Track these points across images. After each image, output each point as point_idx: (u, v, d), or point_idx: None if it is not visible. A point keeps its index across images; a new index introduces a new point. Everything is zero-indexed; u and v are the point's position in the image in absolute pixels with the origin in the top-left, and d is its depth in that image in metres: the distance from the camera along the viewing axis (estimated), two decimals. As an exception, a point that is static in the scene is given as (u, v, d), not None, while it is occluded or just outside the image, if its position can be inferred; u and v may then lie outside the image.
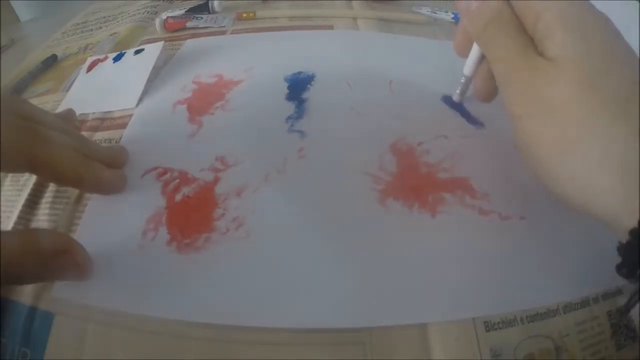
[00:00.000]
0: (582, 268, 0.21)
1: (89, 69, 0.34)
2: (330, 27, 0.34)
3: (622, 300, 0.20)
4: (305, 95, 0.29)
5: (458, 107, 0.28)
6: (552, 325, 0.19)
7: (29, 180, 0.26)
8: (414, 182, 0.23)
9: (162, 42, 0.34)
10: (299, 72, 0.30)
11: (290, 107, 0.28)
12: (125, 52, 0.34)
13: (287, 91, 0.29)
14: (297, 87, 0.29)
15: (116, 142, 0.27)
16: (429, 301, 0.19)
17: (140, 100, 0.30)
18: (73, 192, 0.25)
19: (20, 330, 0.20)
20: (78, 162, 0.23)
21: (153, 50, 0.34)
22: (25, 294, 0.21)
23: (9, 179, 0.27)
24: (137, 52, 0.34)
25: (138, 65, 0.33)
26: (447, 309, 0.19)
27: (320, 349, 0.18)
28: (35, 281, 0.20)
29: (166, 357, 0.18)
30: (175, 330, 0.19)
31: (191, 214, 0.23)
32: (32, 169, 0.22)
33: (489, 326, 0.19)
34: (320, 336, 0.18)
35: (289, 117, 0.27)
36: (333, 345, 0.18)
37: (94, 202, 0.24)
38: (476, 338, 0.18)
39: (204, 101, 0.29)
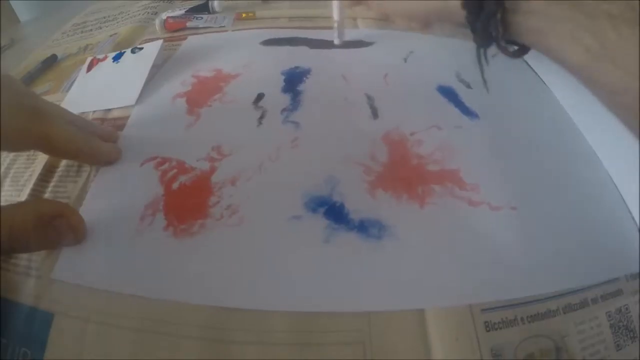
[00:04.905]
0: (574, 258, 0.21)
1: (89, 68, 0.34)
2: (330, 28, 0.34)
3: (622, 301, 0.20)
4: (300, 87, 0.29)
5: (453, 98, 0.28)
6: (552, 325, 0.19)
7: (29, 180, 0.26)
8: (404, 174, 0.24)
9: (161, 41, 0.34)
10: (296, 67, 0.31)
11: (285, 99, 0.28)
12: (125, 52, 0.34)
13: (283, 84, 0.29)
14: (293, 80, 0.30)
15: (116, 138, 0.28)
16: (420, 288, 0.19)
17: (140, 97, 0.30)
18: (74, 189, 0.25)
19: (20, 330, 0.20)
20: (76, 135, 0.25)
21: (152, 49, 0.34)
22: (25, 294, 0.21)
23: (9, 179, 0.27)
24: (135, 50, 0.34)
25: (137, 64, 0.33)
26: (437, 297, 0.19)
27: (320, 349, 0.18)
28: (38, 247, 0.22)
29: (166, 357, 0.18)
30: (175, 330, 0.19)
31: (187, 201, 0.23)
32: (36, 145, 0.24)
33: (489, 326, 0.19)
34: (320, 336, 0.18)
35: (284, 109, 0.27)
36: (333, 345, 0.18)
37: (94, 191, 0.24)
38: (476, 338, 0.18)
39: (202, 94, 0.29)
